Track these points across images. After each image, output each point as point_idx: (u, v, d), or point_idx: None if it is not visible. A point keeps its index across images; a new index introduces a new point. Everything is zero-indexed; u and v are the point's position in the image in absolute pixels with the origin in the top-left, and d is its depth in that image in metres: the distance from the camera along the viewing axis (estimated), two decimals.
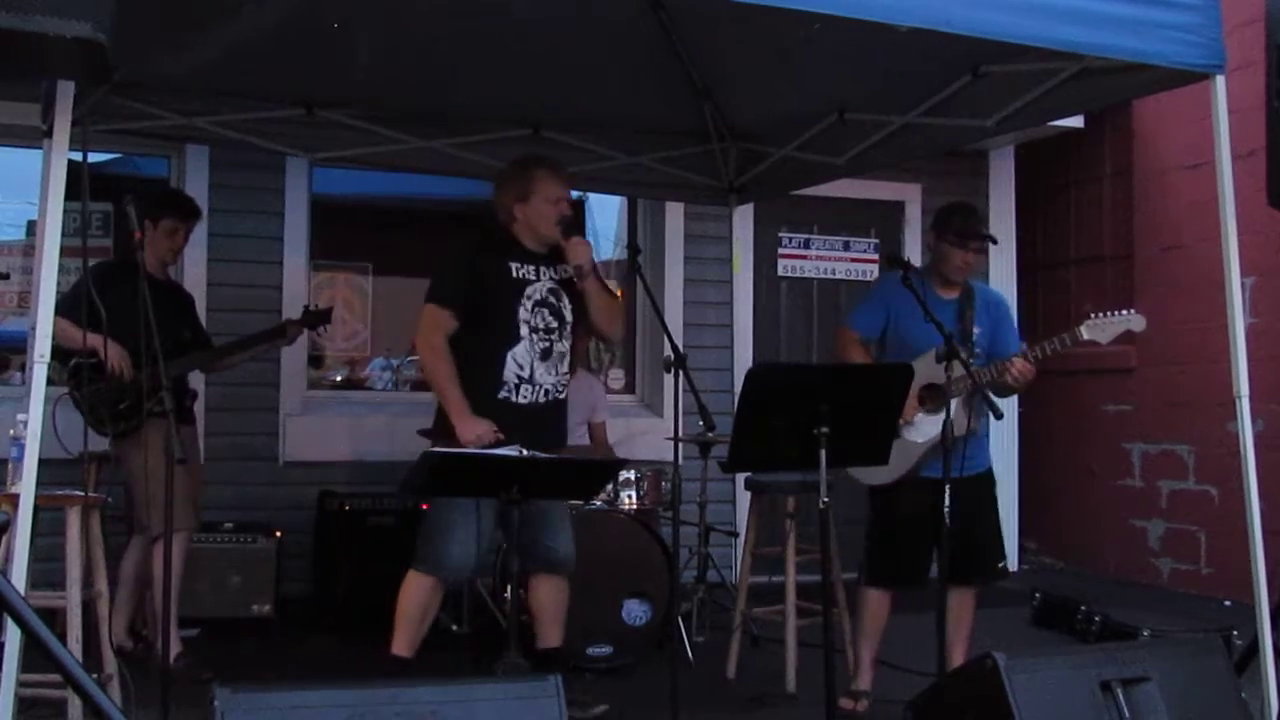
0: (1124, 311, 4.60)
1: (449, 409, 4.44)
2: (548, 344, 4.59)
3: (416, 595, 4.49)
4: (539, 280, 4.61)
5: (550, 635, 4.71)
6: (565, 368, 4.68)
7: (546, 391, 4.58)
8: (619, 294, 5.04)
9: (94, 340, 4.49)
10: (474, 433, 4.34)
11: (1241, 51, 5.24)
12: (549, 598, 4.69)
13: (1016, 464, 8.53)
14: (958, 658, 4.67)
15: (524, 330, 4.54)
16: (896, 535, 4.74)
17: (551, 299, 4.63)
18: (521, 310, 4.55)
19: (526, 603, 4.74)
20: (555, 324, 4.62)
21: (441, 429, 4.53)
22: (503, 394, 4.50)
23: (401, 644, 4.47)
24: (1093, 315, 4.56)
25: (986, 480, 4.87)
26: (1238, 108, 4.19)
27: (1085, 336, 4.51)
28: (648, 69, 5.70)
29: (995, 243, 5.12)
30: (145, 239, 4.32)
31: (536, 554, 4.52)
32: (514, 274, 4.57)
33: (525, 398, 4.53)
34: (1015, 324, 5.00)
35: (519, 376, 4.51)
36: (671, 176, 6.55)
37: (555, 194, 4.61)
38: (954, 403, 4.36)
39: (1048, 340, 4.53)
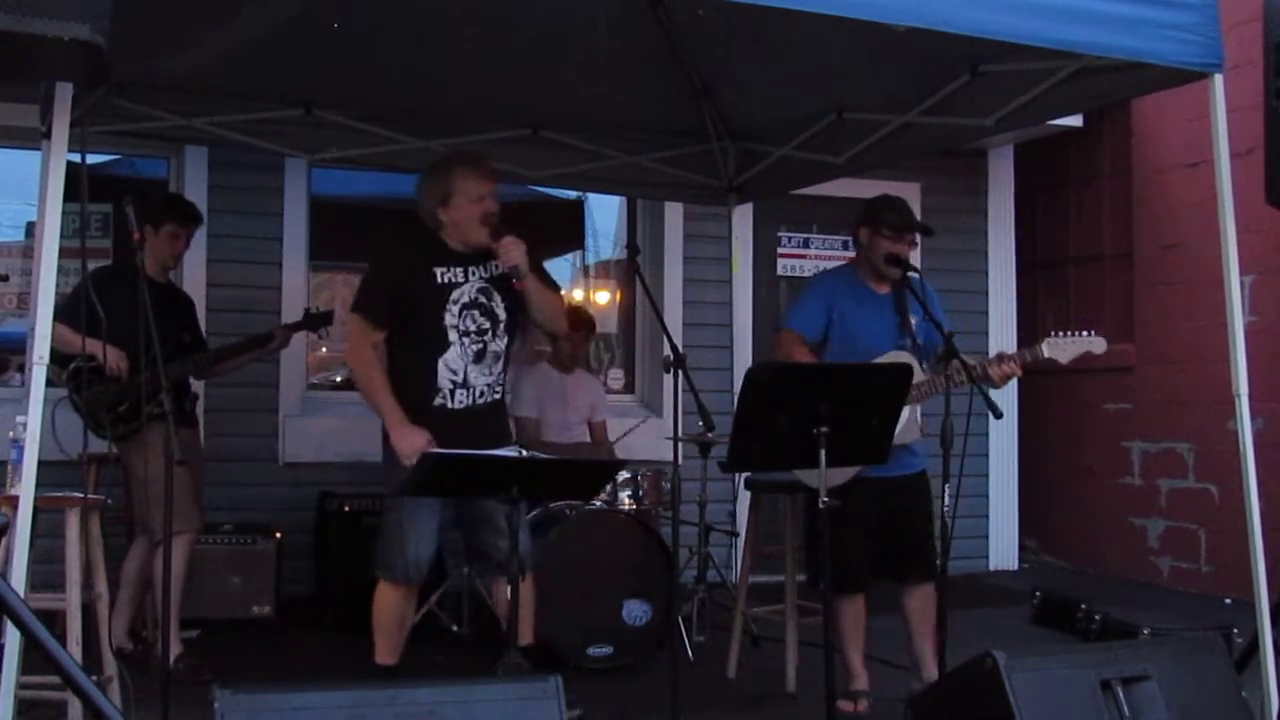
0: (1086, 333, 4.58)
1: (384, 419, 4.39)
2: (480, 346, 4.49)
3: (388, 604, 4.47)
4: (467, 282, 4.49)
5: (522, 633, 4.58)
6: (500, 367, 4.58)
7: (481, 393, 4.50)
8: (559, 290, 4.96)
9: (92, 344, 4.50)
10: (410, 445, 4.26)
11: (1240, 50, 5.23)
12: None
13: (1016, 463, 8.54)
14: (928, 654, 4.66)
15: (453, 336, 4.44)
16: (854, 539, 4.61)
17: (482, 299, 4.51)
18: (448, 316, 4.44)
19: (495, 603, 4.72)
20: (487, 324, 4.51)
21: (384, 433, 4.48)
22: (438, 401, 4.43)
23: (384, 653, 4.49)
24: (1054, 333, 4.55)
25: (920, 480, 4.80)
26: (1236, 106, 4.19)
27: (1045, 354, 4.52)
28: (646, 69, 5.70)
29: (930, 233, 5.06)
30: (145, 243, 4.32)
31: (493, 557, 4.47)
32: (439, 279, 4.45)
33: (461, 402, 4.46)
34: (937, 303, 4.85)
35: (453, 382, 4.43)
36: (670, 176, 6.55)
37: (477, 192, 4.46)
38: (908, 409, 4.39)
39: (1011, 355, 4.54)
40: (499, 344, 4.55)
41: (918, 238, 4.88)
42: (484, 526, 4.43)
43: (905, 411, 4.34)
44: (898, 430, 4.11)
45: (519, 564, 3.94)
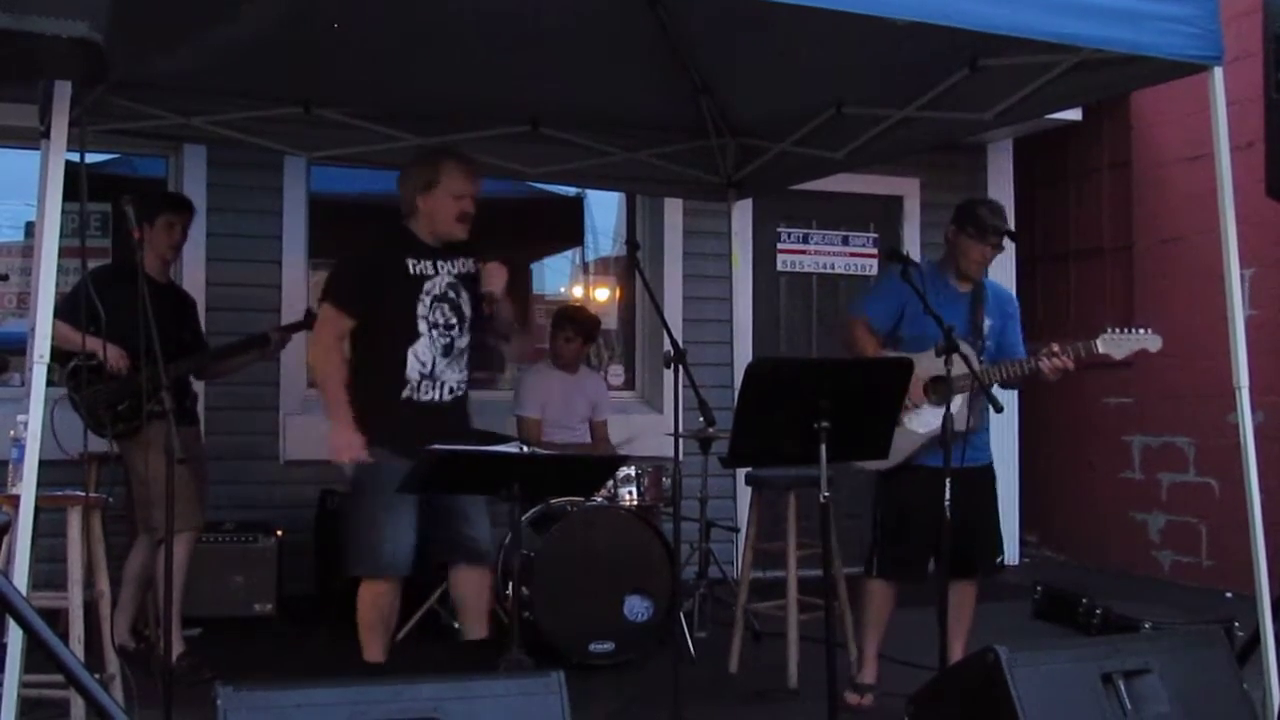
0: (1142, 330, 4.59)
1: (328, 411, 4.38)
2: (448, 340, 4.50)
3: (370, 600, 4.45)
4: (437, 275, 4.51)
5: (476, 628, 4.62)
6: (466, 364, 4.59)
7: (450, 389, 4.50)
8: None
9: (93, 342, 4.50)
10: (346, 446, 4.29)
11: (1239, 43, 5.22)
12: (472, 590, 4.60)
13: (1017, 457, 8.53)
14: (957, 652, 4.66)
15: (423, 326, 4.45)
16: (900, 526, 4.73)
17: (450, 294, 4.53)
18: (420, 306, 4.45)
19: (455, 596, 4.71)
20: (455, 320, 4.53)
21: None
22: (405, 393, 4.42)
23: (374, 651, 4.48)
24: (1110, 330, 4.55)
25: (987, 473, 4.87)
26: (1236, 99, 4.18)
27: (1100, 350, 4.51)
28: (646, 65, 5.70)
29: (1015, 238, 5.07)
30: (145, 239, 4.33)
31: (459, 545, 4.47)
32: (411, 270, 4.47)
33: (427, 395, 4.45)
34: (1019, 323, 4.99)
35: (421, 374, 4.43)
36: (670, 172, 6.55)
37: (460, 189, 4.51)
38: (959, 397, 4.37)
39: (1067, 347, 4.53)
40: (464, 341, 4.56)
41: (1005, 241, 4.90)
42: (454, 517, 4.42)
43: (957, 400, 4.35)
44: (955, 418, 4.13)
45: (519, 560, 3.96)
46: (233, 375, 5.98)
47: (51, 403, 4.54)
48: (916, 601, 4.87)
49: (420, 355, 4.44)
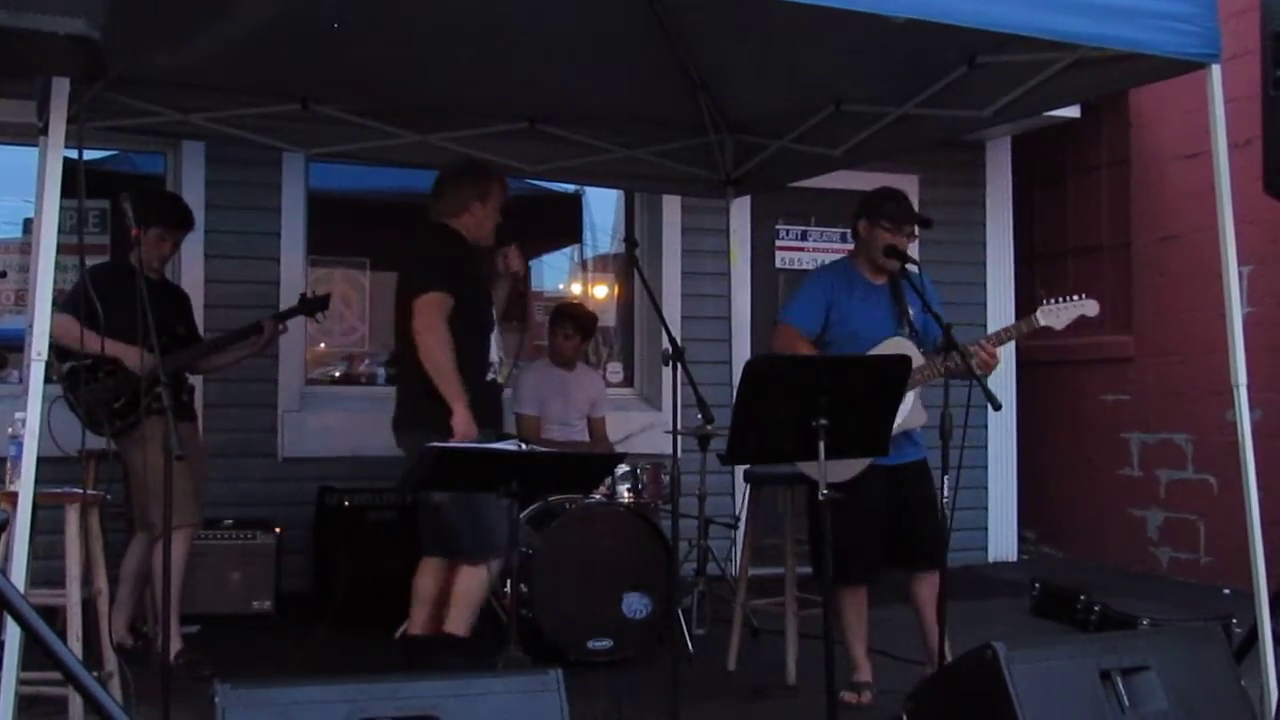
0: (1076, 297, 4.61)
1: (452, 398, 4.56)
2: (496, 328, 4.97)
3: (482, 582, 4.73)
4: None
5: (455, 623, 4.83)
6: None
7: (499, 371, 4.94)
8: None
9: (111, 346, 4.49)
10: (471, 428, 4.52)
11: (1237, 40, 5.22)
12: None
13: (1015, 454, 8.54)
14: (934, 643, 4.67)
15: (494, 315, 4.95)
16: (859, 528, 4.60)
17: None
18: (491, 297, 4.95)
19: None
20: (493, 309, 5.00)
21: (417, 419, 4.64)
22: (489, 375, 4.81)
23: (466, 626, 4.75)
24: (1046, 301, 4.58)
25: (923, 466, 4.81)
26: (1234, 96, 4.19)
27: (1041, 322, 4.53)
28: (644, 62, 5.70)
29: (929, 225, 5.06)
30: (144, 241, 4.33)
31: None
32: (477, 264, 4.89)
33: (496, 377, 4.92)
34: (939, 302, 4.85)
35: (497, 358, 4.86)
36: (668, 169, 6.55)
37: (500, 203, 4.99)
38: (910, 393, 4.39)
39: (1004, 328, 4.57)
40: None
41: (916, 230, 4.88)
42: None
43: (909, 396, 4.36)
44: (903, 417, 4.13)
45: (517, 557, 3.97)
46: (230, 371, 5.96)
47: (50, 401, 4.56)
48: (893, 599, 4.87)
49: (494, 342, 4.87)
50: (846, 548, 4.58)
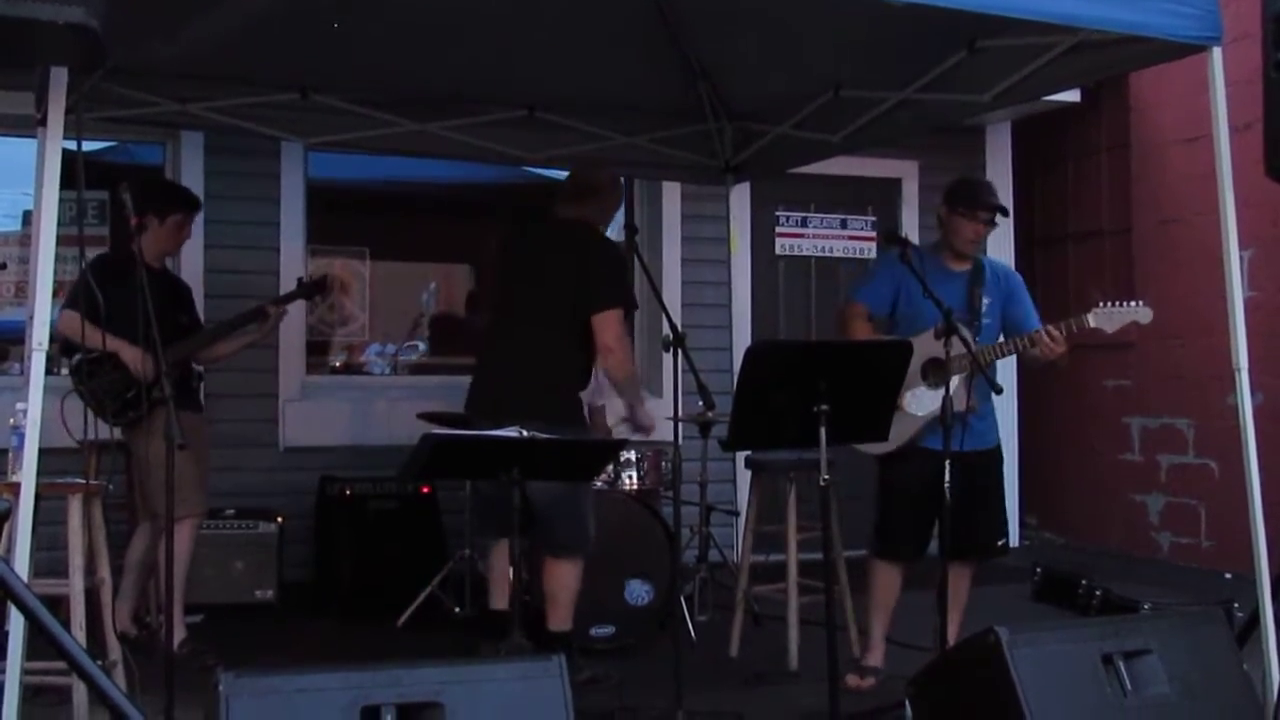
0: (1133, 303, 4.58)
1: (639, 400, 5.03)
2: None
3: (579, 575, 4.85)
4: None
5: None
6: None
7: None
8: None
9: (113, 343, 4.50)
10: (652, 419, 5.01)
11: (1238, 23, 5.20)
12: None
13: (1016, 440, 8.53)
14: (951, 635, 4.67)
15: None
16: (901, 507, 4.73)
17: None
18: None
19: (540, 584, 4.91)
20: None
21: (569, 415, 4.78)
22: None
23: (567, 620, 4.83)
24: (1101, 304, 4.55)
25: (991, 456, 4.83)
26: (1235, 80, 4.18)
27: (1091, 324, 4.51)
28: (643, 49, 5.68)
29: (1007, 214, 5.07)
30: (146, 231, 4.33)
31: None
32: None
33: None
34: (1029, 297, 4.95)
35: None
36: (668, 156, 6.53)
37: None
38: (955, 379, 4.36)
39: (1057, 324, 4.54)
40: None
41: (996, 218, 4.89)
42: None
43: (955, 381, 4.35)
44: (953, 399, 4.14)
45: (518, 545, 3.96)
46: (231, 361, 5.94)
47: (60, 393, 4.57)
48: (911, 584, 4.88)
49: None
50: (892, 522, 4.62)
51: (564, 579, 4.76)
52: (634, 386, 5.03)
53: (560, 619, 4.78)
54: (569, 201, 5.05)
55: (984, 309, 4.77)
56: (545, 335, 4.81)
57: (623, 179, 5.38)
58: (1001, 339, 4.74)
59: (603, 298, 4.71)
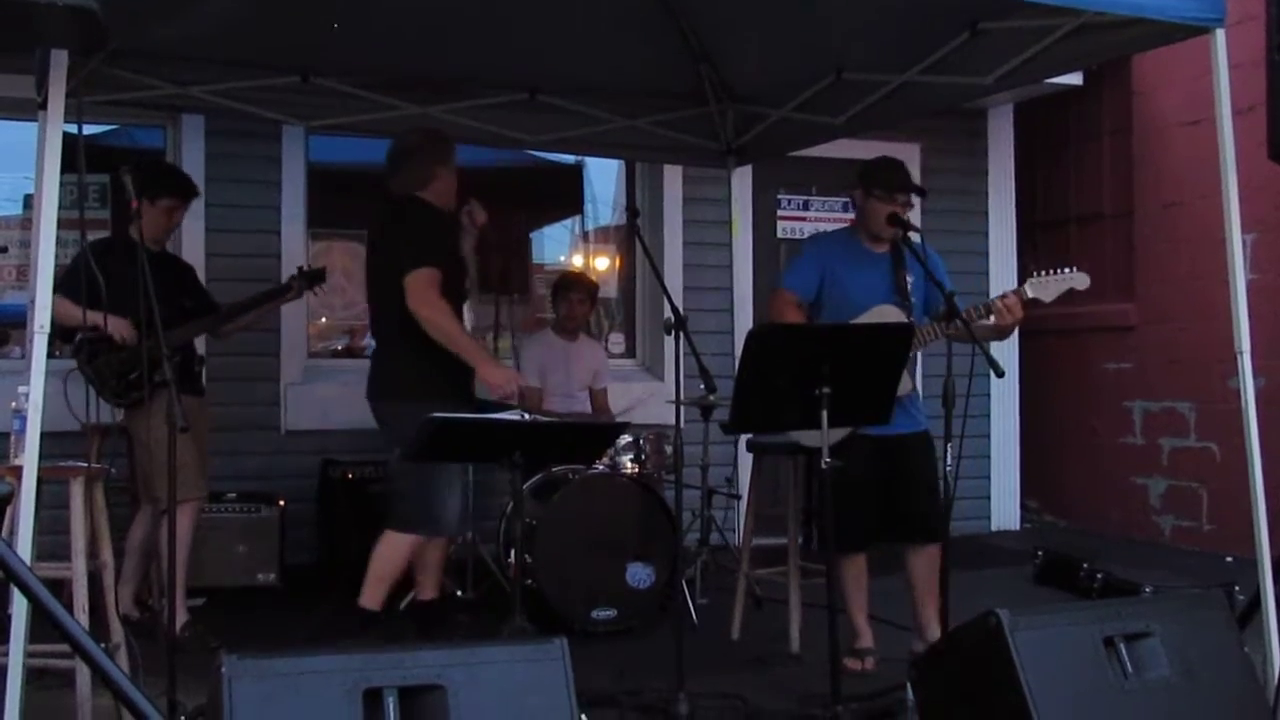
0: (1067, 270, 4.59)
1: (475, 359, 4.75)
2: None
3: (406, 556, 4.83)
4: None
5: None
6: None
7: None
8: None
9: (94, 316, 4.50)
10: (505, 375, 4.74)
11: (1241, 6, 5.19)
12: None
13: (1018, 423, 8.55)
14: (929, 618, 4.68)
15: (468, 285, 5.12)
16: (850, 496, 4.54)
17: None
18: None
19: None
20: None
21: (398, 389, 4.75)
22: None
23: (378, 599, 4.82)
24: (1035, 274, 4.56)
25: (924, 439, 4.79)
26: (1237, 62, 4.16)
27: (1030, 295, 4.52)
28: (644, 31, 5.67)
29: (923, 194, 5.07)
30: (141, 212, 4.32)
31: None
32: (453, 234, 4.99)
33: None
34: (945, 271, 4.81)
35: (469, 326, 5.09)
36: (669, 139, 6.52)
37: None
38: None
39: (998, 297, 4.55)
40: None
41: (913, 198, 4.88)
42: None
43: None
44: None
45: (521, 528, 3.97)
46: (232, 345, 5.95)
47: (62, 375, 4.57)
48: (903, 568, 4.89)
49: (466, 310, 5.04)
50: (839, 516, 4.59)
51: (386, 551, 4.80)
52: (464, 348, 4.75)
53: (370, 596, 4.81)
54: (389, 176, 5.04)
55: (910, 289, 4.76)
56: (384, 313, 4.94)
57: (445, 133, 5.19)
58: (943, 324, 4.64)
59: (407, 260, 4.72)
